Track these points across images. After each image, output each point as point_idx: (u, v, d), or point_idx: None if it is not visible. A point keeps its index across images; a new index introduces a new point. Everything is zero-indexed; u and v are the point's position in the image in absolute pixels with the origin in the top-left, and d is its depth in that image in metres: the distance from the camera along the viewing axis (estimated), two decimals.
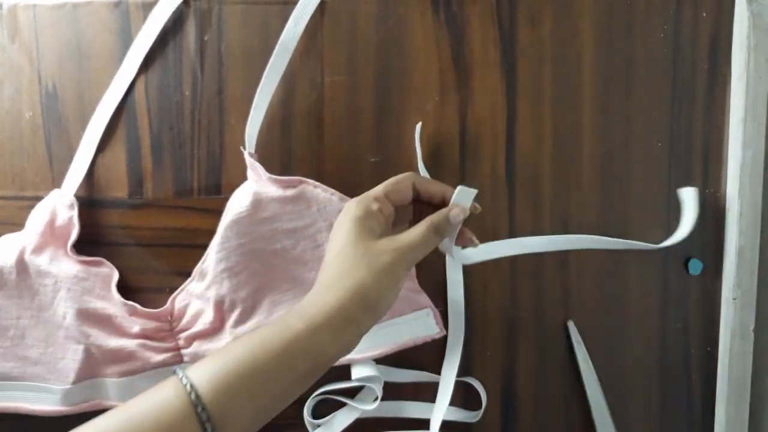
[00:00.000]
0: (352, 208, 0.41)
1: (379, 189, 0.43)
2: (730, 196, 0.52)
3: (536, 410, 0.53)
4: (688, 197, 0.51)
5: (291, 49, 0.50)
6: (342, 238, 0.40)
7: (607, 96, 0.52)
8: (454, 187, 0.43)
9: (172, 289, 0.51)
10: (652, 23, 0.51)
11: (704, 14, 0.51)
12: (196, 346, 0.49)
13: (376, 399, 0.50)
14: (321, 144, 0.52)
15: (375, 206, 0.41)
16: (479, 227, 0.52)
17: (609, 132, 0.52)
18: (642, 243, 0.51)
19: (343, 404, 0.52)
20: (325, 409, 0.52)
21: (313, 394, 0.51)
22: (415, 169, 0.51)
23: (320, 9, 0.51)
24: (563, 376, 0.53)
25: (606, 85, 0.52)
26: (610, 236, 0.52)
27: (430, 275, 0.52)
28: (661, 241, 0.52)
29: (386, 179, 0.51)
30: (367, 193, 0.42)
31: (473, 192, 0.43)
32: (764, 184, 0.51)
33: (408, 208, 0.45)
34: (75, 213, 0.50)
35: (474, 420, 0.52)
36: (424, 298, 0.51)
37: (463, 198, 0.43)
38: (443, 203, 0.44)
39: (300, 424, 0.51)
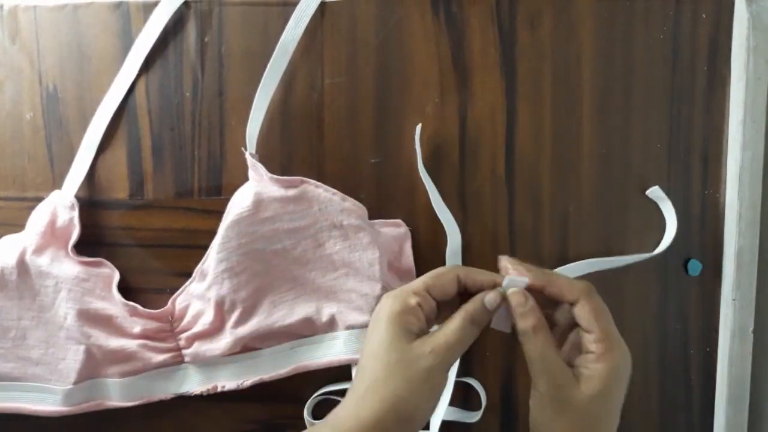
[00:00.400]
0: (388, 302, 0.38)
1: (419, 282, 0.39)
2: (729, 198, 0.52)
3: None
4: (658, 196, 0.51)
5: (291, 50, 0.50)
6: (376, 338, 0.37)
7: (607, 97, 0.52)
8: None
9: (173, 290, 0.51)
10: (652, 24, 0.51)
11: (704, 16, 0.51)
12: (197, 347, 0.50)
13: None
14: (321, 145, 0.52)
15: (413, 301, 0.37)
16: (480, 229, 0.52)
17: (609, 132, 0.52)
18: (640, 255, 0.51)
19: None
20: (325, 409, 0.52)
21: (314, 395, 0.51)
22: (416, 170, 0.51)
23: (320, 10, 0.51)
24: None
25: (605, 86, 0.52)
26: (609, 236, 0.52)
27: None
28: (659, 244, 0.52)
29: (386, 180, 0.52)
30: (405, 286, 0.39)
31: (523, 281, 0.39)
32: (763, 185, 0.51)
33: (455, 300, 0.40)
34: (75, 214, 0.51)
35: (474, 420, 0.52)
36: None
37: (512, 286, 0.39)
38: None
39: (300, 425, 0.52)
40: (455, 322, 0.37)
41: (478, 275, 0.40)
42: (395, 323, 0.37)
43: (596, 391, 0.36)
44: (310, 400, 0.51)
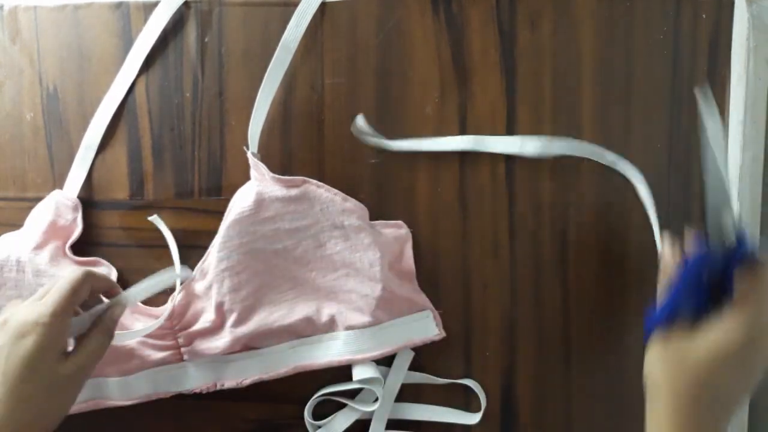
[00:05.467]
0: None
1: (64, 303, 0.41)
2: None
3: (536, 411, 0.53)
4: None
5: (293, 49, 0.50)
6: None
7: (607, 97, 0.52)
8: None
9: (173, 289, 0.51)
10: (652, 24, 0.51)
11: (704, 16, 0.51)
12: (197, 345, 0.50)
13: (376, 400, 0.50)
14: (321, 145, 0.52)
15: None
16: (480, 227, 0.52)
17: (609, 133, 0.52)
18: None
19: (344, 405, 0.52)
20: (325, 409, 0.52)
21: (314, 395, 0.51)
22: (415, 171, 0.51)
23: (320, 10, 0.51)
24: (563, 376, 0.53)
25: (605, 87, 0.52)
26: (609, 236, 0.52)
27: (430, 277, 0.52)
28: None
29: (386, 180, 0.52)
30: (52, 308, 0.40)
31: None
32: (764, 185, 0.51)
33: None
34: (79, 215, 0.51)
35: (474, 422, 0.52)
36: (424, 300, 0.51)
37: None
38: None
39: (301, 425, 0.52)
40: (95, 338, 0.43)
41: (101, 282, 0.45)
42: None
43: None
44: (310, 401, 0.51)
